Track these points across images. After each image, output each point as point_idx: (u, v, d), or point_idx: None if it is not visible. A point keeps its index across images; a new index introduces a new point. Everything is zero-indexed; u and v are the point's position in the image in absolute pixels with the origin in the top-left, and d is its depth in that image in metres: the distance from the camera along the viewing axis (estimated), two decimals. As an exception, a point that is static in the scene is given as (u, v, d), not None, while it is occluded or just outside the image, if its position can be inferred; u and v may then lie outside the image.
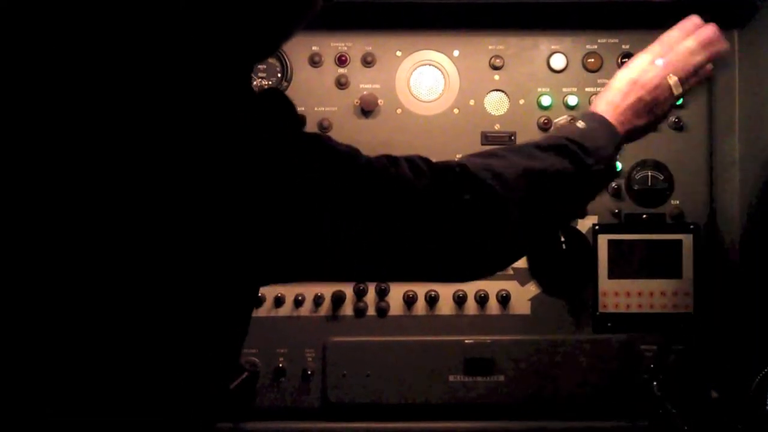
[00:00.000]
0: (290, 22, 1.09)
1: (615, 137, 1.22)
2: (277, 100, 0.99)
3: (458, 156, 1.67)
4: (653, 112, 1.28)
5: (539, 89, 1.72)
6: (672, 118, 1.70)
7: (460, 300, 1.69)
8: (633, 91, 1.27)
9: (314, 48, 1.72)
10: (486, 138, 1.71)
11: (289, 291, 1.69)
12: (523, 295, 1.70)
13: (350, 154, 1.02)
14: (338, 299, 1.68)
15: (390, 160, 1.04)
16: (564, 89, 1.72)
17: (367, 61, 1.71)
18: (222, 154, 0.88)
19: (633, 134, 1.28)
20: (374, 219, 0.99)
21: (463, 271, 1.13)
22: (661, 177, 1.70)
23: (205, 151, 0.88)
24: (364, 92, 1.71)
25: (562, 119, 1.67)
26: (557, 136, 1.20)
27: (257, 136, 0.92)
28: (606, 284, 1.70)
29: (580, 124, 1.21)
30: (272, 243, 0.93)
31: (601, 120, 1.23)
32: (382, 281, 1.67)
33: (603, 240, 1.70)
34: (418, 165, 1.05)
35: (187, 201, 0.87)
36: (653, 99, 1.27)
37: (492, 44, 1.73)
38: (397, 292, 1.70)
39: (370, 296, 1.69)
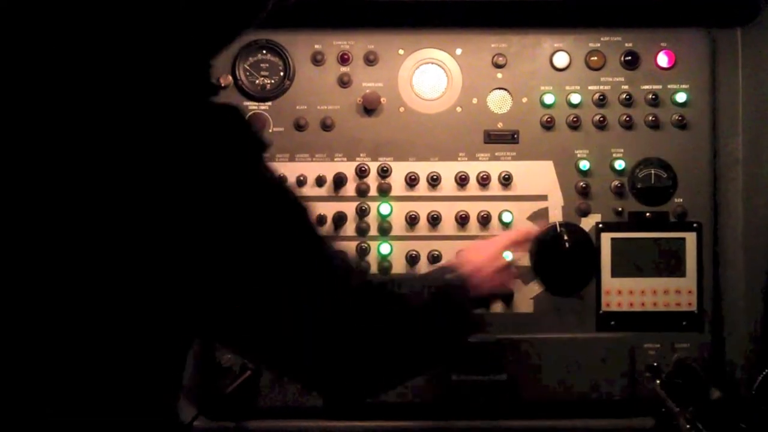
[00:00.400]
0: (239, 23, 1.07)
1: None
2: (237, 123, 0.97)
3: (461, 155, 1.69)
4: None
5: (542, 87, 1.71)
6: (675, 116, 1.69)
7: (462, 298, 1.68)
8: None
9: (317, 46, 1.71)
10: (489, 136, 1.71)
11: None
12: (526, 294, 1.70)
13: (300, 210, 1.02)
14: (341, 298, 1.68)
15: (326, 244, 1.06)
16: (567, 87, 1.71)
17: (370, 60, 1.71)
18: (170, 166, 0.87)
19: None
20: (292, 283, 0.97)
21: (343, 384, 1.12)
22: (665, 175, 1.69)
23: (153, 159, 0.87)
24: (367, 91, 1.70)
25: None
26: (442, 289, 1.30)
27: (209, 158, 0.90)
28: (609, 283, 1.69)
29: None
30: (194, 265, 0.91)
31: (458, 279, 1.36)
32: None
33: (606, 238, 1.70)
34: (348, 262, 1.10)
35: (125, 205, 0.86)
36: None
37: (495, 42, 1.72)
38: (399, 291, 1.69)
39: (373, 295, 1.69)
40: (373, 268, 1.69)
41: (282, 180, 1.04)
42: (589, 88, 1.71)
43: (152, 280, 0.89)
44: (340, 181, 1.69)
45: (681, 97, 1.70)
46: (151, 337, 0.94)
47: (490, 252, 1.47)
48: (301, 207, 1.02)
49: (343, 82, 1.71)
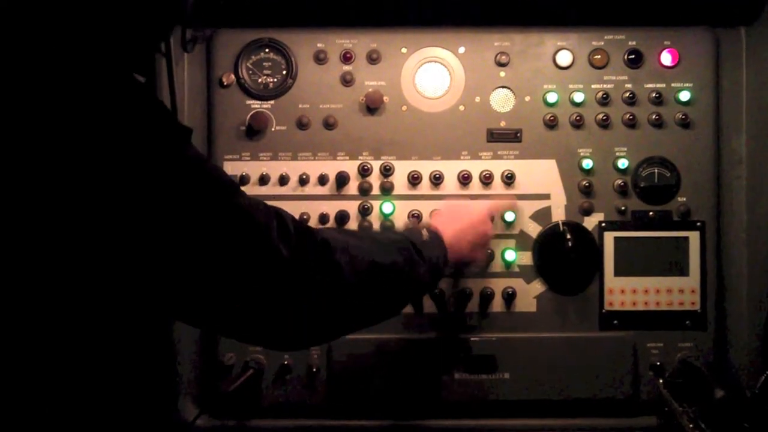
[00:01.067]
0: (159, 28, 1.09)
1: (445, 256, 1.41)
2: (160, 113, 0.99)
3: (464, 153, 1.69)
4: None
5: (545, 86, 1.71)
6: (679, 115, 1.69)
7: (465, 297, 1.68)
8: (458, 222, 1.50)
9: (319, 45, 1.71)
10: (492, 135, 1.70)
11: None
12: (529, 293, 1.70)
13: (230, 188, 1.05)
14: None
15: (263, 212, 1.07)
16: (570, 86, 1.71)
17: (373, 58, 1.71)
18: (94, 157, 0.89)
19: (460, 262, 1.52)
20: (226, 264, 1.00)
21: (289, 341, 1.18)
22: (668, 174, 1.69)
23: (79, 152, 0.88)
24: (370, 89, 1.70)
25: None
26: (405, 237, 1.34)
27: (135, 147, 0.92)
28: (612, 282, 1.69)
29: (425, 233, 1.39)
30: (121, 253, 0.93)
31: (439, 238, 1.42)
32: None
33: (609, 237, 1.69)
34: (288, 230, 1.09)
35: (55, 197, 0.88)
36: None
37: (498, 41, 1.72)
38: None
39: (376, 294, 1.69)
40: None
41: (208, 168, 1.06)
42: (593, 86, 1.71)
43: (84, 264, 0.91)
44: (342, 179, 1.69)
45: (684, 96, 1.69)
46: (103, 319, 0.96)
47: (469, 220, 1.51)
48: (229, 190, 1.05)
49: (346, 81, 1.71)
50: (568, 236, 1.66)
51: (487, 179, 1.69)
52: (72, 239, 0.89)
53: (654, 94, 1.70)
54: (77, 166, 0.88)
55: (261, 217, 1.06)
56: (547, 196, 1.70)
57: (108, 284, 0.94)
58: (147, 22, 1.06)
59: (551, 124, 1.70)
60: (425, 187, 1.70)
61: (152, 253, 0.93)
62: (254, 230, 1.03)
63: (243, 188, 1.63)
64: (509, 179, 1.69)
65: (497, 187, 1.70)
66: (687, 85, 1.70)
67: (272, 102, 1.71)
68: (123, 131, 0.91)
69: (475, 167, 1.70)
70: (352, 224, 1.69)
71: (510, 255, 1.69)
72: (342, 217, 1.68)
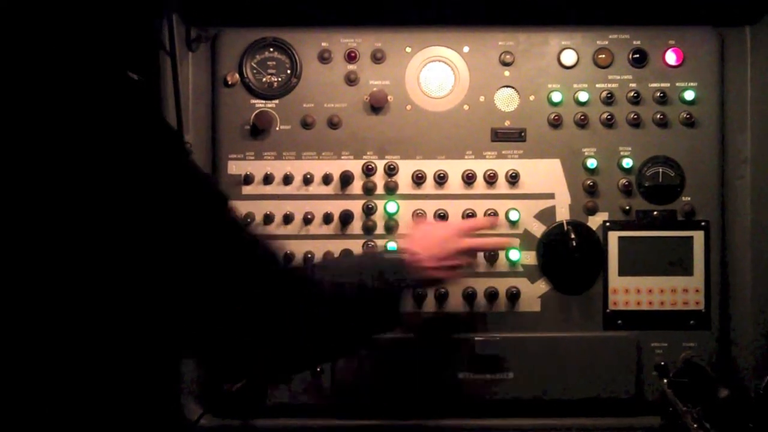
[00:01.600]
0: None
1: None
2: (151, 112, 0.99)
3: (468, 153, 1.69)
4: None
5: (549, 85, 1.71)
6: (683, 114, 1.69)
7: (469, 297, 1.68)
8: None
9: (324, 44, 1.71)
10: (496, 134, 1.70)
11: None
12: (533, 293, 1.70)
13: (221, 199, 1.06)
14: (348, 296, 1.68)
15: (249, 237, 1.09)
16: (575, 85, 1.71)
17: (377, 58, 1.71)
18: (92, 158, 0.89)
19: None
20: (204, 268, 0.99)
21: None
22: (672, 173, 1.69)
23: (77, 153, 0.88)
24: (374, 88, 1.70)
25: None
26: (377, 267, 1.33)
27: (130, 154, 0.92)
28: (616, 281, 1.69)
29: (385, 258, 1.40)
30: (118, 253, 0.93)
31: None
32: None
33: (613, 237, 1.69)
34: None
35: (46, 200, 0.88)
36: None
37: (502, 40, 1.72)
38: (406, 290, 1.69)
39: (380, 293, 1.69)
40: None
41: (198, 173, 1.06)
42: (597, 85, 1.71)
43: (77, 261, 0.91)
44: (346, 179, 1.69)
45: (689, 95, 1.69)
46: (105, 317, 0.95)
47: (440, 235, 1.47)
48: (218, 199, 1.06)
49: (350, 80, 1.71)
50: (573, 236, 1.66)
51: (491, 179, 1.69)
52: (64, 235, 0.89)
53: (658, 94, 1.69)
54: (64, 163, 0.87)
55: (249, 236, 1.10)
56: (551, 196, 1.70)
57: (103, 280, 0.93)
58: (126, 13, 1.06)
59: (555, 123, 1.70)
60: (429, 186, 1.70)
61: (142, 248, 0.93)
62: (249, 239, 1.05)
63: (247, 187, 1.67)
64: (513, 179, 1.69)
65: (501, 186, 1.70)
66: (691, 84, 1.70)
67: (276, 101, 1.71)
68: (110, 130, 0.91)
69: (480, 166, 1.70)
70: (357, 223, 1.69)
71: (514, 254, 1.69)
72: (346, 216, 1.68)
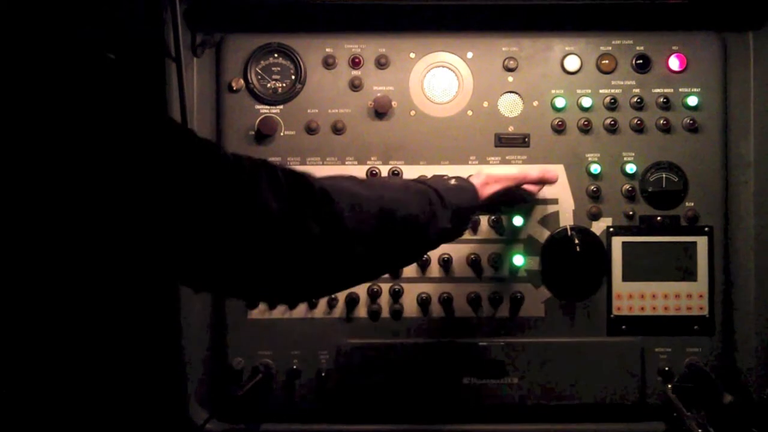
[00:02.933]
0: None
1: (476, 201, 1.39)
2: (127, 84, 0.95)
3: (472, 158, 1.69)
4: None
5: (553, 91, 1.71)
6: (686, 120, 1.69)
7: (473, 302, 1.68)
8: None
9: (328, 50, 1.72)
10: (499, 140, 1.71)
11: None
12: (537, 298, 1.70)
13: (211, 148, 1.01)
14: (352, 301, 1.68)
15: (250, 167, 1.03)
16: (578, 91, 1.71)
17: (381, 63, 1.72)
18: (74, 127, 0.86)
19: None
20: (217, 225, 0.97)
21: (289, 296, 1.18)
22: (676, 179, 1.69)
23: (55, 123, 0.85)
24: (378, 94, 1.71)
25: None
26: (427, 183, 1.31)
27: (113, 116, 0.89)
28: (620, 287, 1.69)
29: (452, 181, 1.37)
30: (113, 226, 0.90)
31: (469, 184, 1.40)
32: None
33: (617, 242, 1.70)
34: (279, 181, 1.05)
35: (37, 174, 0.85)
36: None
37: (506, 46, 1.72)
38: (411, 294, 1.70)
39: (384, 298, 1.69)
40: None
41: (182, 129, 1.03)
42: (601, 91, 1.71)
43: (74, 248, 0.89)
44: (351, 184, 1.69)
45: (692, 101, 1.69)
46: (110, 319, 0.95)
47: (510, 173, 1.53)
48: (208, 148, 1.01)
49: (355, 86, 1.71)
50: (576, 241, 1.66)
51: (495, 184, 1.69)
52: (58, 224, 0.87)
53: (662, 99, 1.70)
54: (44, 142, 0.85)
55: (245, 172, 1.02)
56: (555, 201, 1.70)
57: (103, 258, 0.91)
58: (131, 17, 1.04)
59: (559, 129, 1.70)
60: (433, 191, 1.70)
61: (138, 220, 0.91)
62: (238, 186, 1.00)
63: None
64: (517, 184, 1.69)
65: (505, 191, 1.70)
66: (695, 89, 1.70)
67: (281, 107, 1.71)
68: (88, 103, 0.89)
69: (483, 172, 1.70)
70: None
71: (518, 260, 1.69)
72: (350, 221, 1.68)
